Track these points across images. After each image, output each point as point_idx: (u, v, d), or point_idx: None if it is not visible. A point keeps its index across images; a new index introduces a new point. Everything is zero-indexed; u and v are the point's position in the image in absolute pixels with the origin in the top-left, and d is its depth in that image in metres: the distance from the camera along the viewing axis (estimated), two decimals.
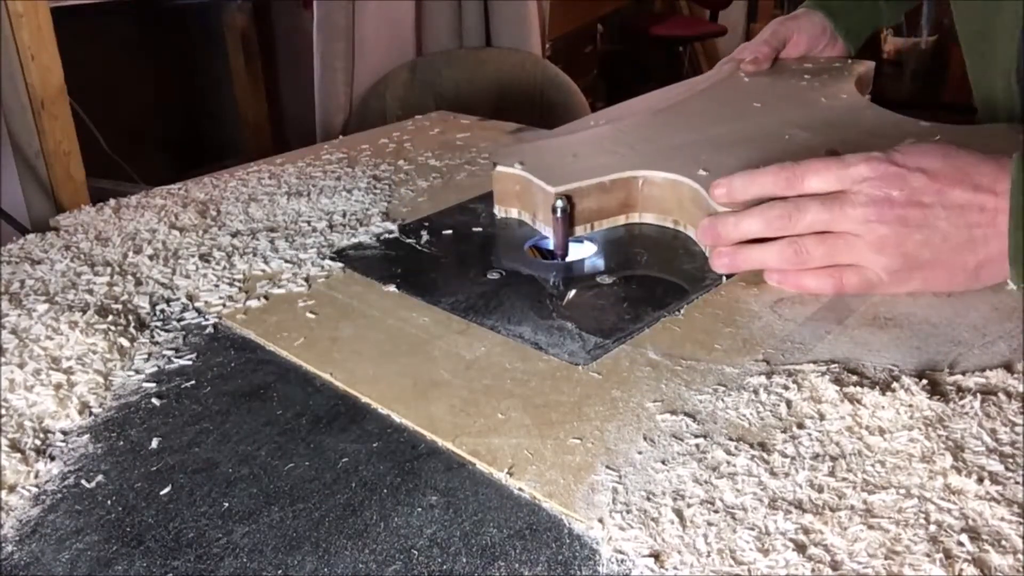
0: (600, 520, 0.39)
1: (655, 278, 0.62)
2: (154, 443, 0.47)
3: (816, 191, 0.56)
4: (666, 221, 0.70)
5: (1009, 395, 0.46)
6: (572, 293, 0.61)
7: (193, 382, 0.53)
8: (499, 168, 0.72)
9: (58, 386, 0.51)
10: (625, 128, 0.79)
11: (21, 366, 0.53)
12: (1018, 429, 0.43)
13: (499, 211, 0.75)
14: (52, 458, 0.46)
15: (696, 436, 0.44)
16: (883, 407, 0.45)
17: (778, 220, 0.57)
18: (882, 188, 0.54)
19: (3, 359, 0.54)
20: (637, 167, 0.69)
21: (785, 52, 0.99)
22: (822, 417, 0.45)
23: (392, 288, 0.63)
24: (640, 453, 0.43)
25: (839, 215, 0.55)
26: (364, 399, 0.50)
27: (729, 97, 0.89)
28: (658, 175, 0.69)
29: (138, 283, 0.65)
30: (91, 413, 0.50)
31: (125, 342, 0.56)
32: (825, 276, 0.57)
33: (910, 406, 0.45)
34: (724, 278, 0.61)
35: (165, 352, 0.56)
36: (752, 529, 0.38)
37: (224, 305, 0.61)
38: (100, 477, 0.44)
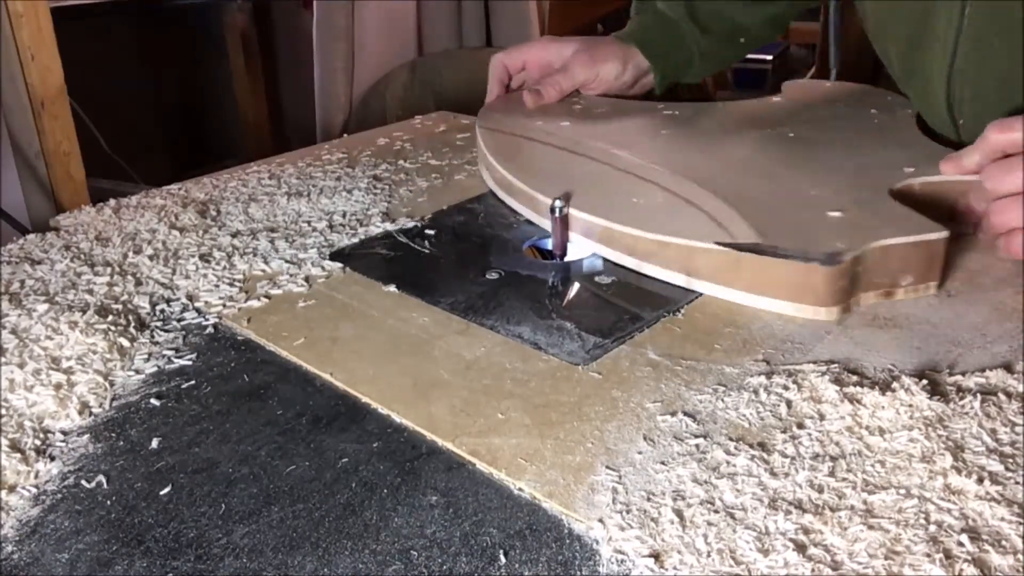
0: (600, 520, 0.39)
1: (655, 278, 0.62)
2: (154, 443, 0.47)
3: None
4: None
5: (1009, 395, 0.46)
6: (571, 293, 0.61)
7: (193, 382, 0.53)
8: (718, 246, 0.57)
9: (58, 386, 0.51)
10: (664, 179, 0.69)
11: (21, 366, 0.53)
12: (1018, 429, 0.43)
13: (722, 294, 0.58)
14: (52, 458, 0.46)
15: (696, 436, 0.44)
16: (883, 407, 0.45)
17: (992, 178, 0.56)
18: None
19: (3, 359, 0.54)
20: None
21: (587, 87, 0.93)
22: (822, 417, 0.45)
23: (392, 288, 0.63)
24: (640, 453, 0.43)
25: None
26: (364, 399, 0.50)
27: (639, 128, 0.84)
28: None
29: (138, 283, 0.65)
30: (91, 413, 0.50)
31: (125, 342, 0.56)
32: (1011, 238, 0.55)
33: (910, 406, 0.45)
34: None
35: (165, 352, 0.56)
36: (752, 529, 0.38)
37: (224, 305, 0.61)
38: (100, 477, 0.44)
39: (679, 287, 0.60)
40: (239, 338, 0.58)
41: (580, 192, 0.67)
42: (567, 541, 0.39)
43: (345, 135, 1.05)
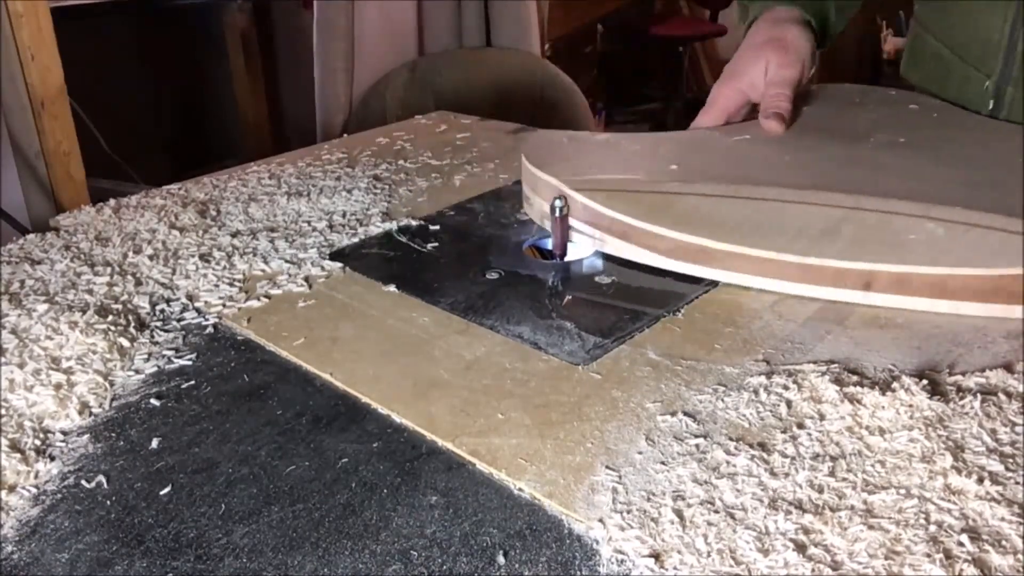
0: (600, 520, 0.39)
1: (654, 278, 0.62)
2: (154, 443, 0.47)
3: None
4: None
5: (1009, 395, 0.46)
6: (571, 293, 0.61)
7: (193, 382, 0.53)
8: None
9: (58, 386, 0.51)
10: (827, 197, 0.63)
11: (21, 366, 0.53)
12: (1018, 429, 0.43)
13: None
14: (52, 458, 0.46)
15: (696, 436, 0.44)
16: (883, 407, 0.45)
17: None
18: None
19: (3, 359, 0.54)
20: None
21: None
22: (822, 417, 0.45)
23: (392, 288, 0.63)
24: (640, 453, 0.43)
25: None
26: (364, 399, 0.50)
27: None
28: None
29: (138, 283, 0.65)
30: (91, 413, 0.50)
31: (125, 342, 0.56)
32: None
33: (910, 406, 0.45)
34: None
35: (165, 352, 0.56)
36: (752, 529, 0.38)
37: (224, 305, 0.61)
38: (100, 477, 0.44)
39: (678, 287, 0.60)
40: (239, 338, 0.58)
41: (826, 240, 0.58)
42: (567, 541, 0.39)
43: (345, 135, 1.05)
